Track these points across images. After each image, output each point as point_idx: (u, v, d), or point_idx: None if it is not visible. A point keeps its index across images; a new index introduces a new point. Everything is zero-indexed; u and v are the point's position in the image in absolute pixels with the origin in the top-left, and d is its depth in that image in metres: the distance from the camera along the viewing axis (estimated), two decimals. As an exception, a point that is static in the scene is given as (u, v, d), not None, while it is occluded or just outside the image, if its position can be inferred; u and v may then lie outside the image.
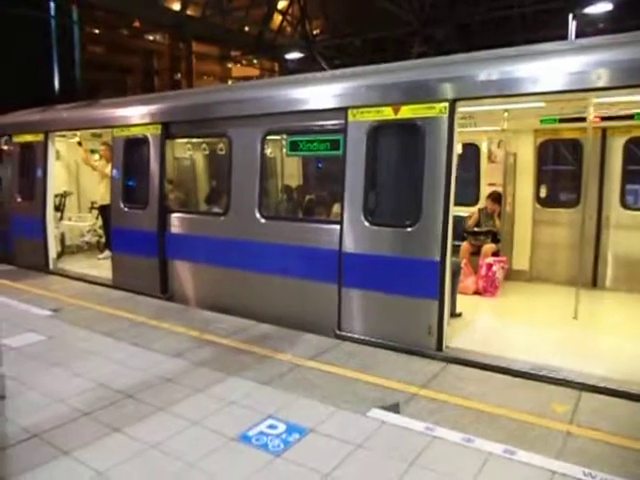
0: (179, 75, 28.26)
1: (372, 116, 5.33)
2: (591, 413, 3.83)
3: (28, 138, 9.20)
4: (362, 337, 5.45)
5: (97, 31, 28.82)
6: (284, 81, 7.23)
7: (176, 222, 7.25)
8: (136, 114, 7.62)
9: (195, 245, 7.01)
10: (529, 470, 3.15)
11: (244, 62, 26.06)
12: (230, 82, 31.83)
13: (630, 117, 6.50)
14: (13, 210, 9.58)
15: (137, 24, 28.93)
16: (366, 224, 5.41)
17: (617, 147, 7.26)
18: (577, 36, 13.06)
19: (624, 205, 7.35)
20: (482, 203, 8.25)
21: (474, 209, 8.24)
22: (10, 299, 7.03)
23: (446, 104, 4.87)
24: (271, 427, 3.64)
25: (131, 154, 7.77)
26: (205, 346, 5.26)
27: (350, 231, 5.52)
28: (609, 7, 12.96)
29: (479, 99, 4.93)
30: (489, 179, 8.21)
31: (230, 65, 33.20)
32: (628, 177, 7.44)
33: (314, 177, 10.31)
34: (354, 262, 5.51)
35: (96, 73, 28.08)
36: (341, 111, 5.55)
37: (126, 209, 7.77)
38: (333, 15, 19.96)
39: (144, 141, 7.46)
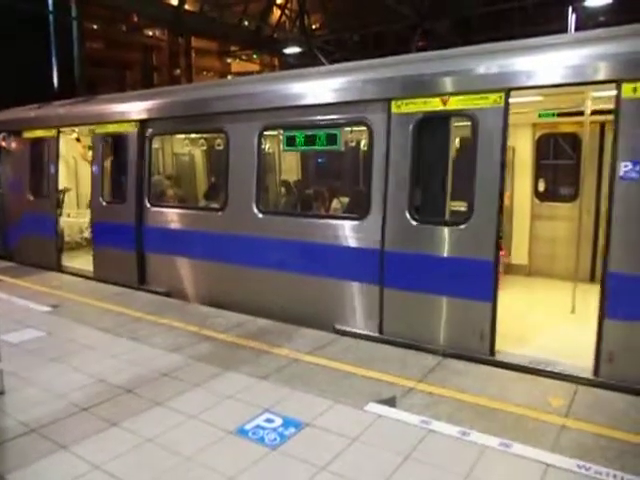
0: (178, 71, 28.21)
1: (419, 107, 5.04)
2: (587, 407, 3.84)
3: (40, 134, 9.08)
4: (405, 340, 5.15)
5: (96, 27, 28.77)
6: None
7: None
8: (125, 111, 7.65)
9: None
10: (524, 463, 3.17)
11: (244, 57, 26.00)
12: (230, 77, 31.79)
13: None
14: (17, 207, 9.55)
15: (136, 19, 28.87)
16: (412, 222, 5.12)
17: None
18: (577, 29, 13.03)
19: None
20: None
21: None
22: (9, 295, 7.05)
23: (502, 94, 4.62)
24: (268, 421, 3.66)
25: (110, 151, 7.96)
26: (203, 341, 5.28)
27: (393, 229, 5.24)
28: (609, 0, 12.89)
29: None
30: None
31: (230, 60, 33.14)
32: None
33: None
34: (398, 261, 5.24)
35: (95, 69, 28.03)
36: (383, 102, 5.26)
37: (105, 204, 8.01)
38: (332, 10, 19.90)
39: (129, 138, 7.55)
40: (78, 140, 9.71)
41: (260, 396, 4.05)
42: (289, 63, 23.08)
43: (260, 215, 6.25)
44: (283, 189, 8.92)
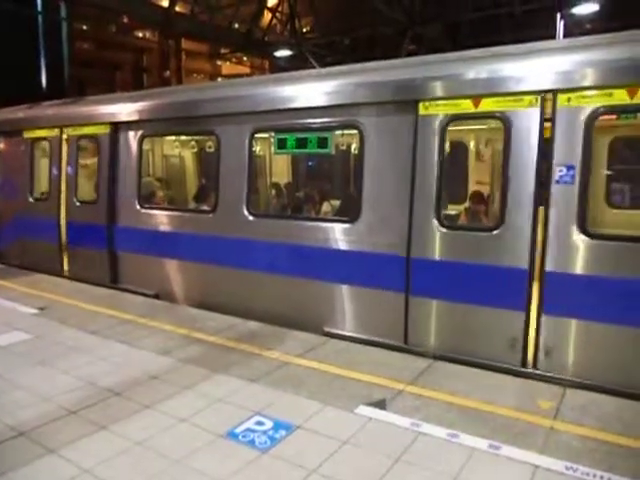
0: (168, 73, 28.08)
1: (448, 109, 4.90)
2: (575, 409, 3.88)
3: (42, 134, 8.93)
4: (432, 351, 5.03)
5: (85, 27, 28.57)
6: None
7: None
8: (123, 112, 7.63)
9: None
10: (513, 465, 3.19)
11: (234, 60, 25.98)
12: (220, 79, 31.73)
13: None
14: (13, 209, 9.42)
15: (126, 20, 28.72)
16: (441, 228, 4.99)
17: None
18: (565, 36, 13.19)
19: (610, 204, 7.40)
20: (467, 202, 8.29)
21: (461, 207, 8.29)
22: (-4, 297, 6.98)
23: (537, 96, 4.52)
24: (258, 424, 3.66)
25: (83, 152, 8.07)
26: (193, 344, 5.25)
27: (420, 235, 5.09)
28: (595, 8, 13.07)
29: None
30: (477, 178, 8.26)
31: (220, 63, 33.07)
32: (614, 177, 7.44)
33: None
34: (426, 269, 5.10)
35: (84, 69, 27.81)
36: (408, 104, 5.12)
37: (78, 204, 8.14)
38: (322, 13, 19.96)
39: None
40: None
41: (250, 399, 4.04)
42: (279, 66, 23.11)
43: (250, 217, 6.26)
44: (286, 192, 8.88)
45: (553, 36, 13.79)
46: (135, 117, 7.38)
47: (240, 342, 5.29)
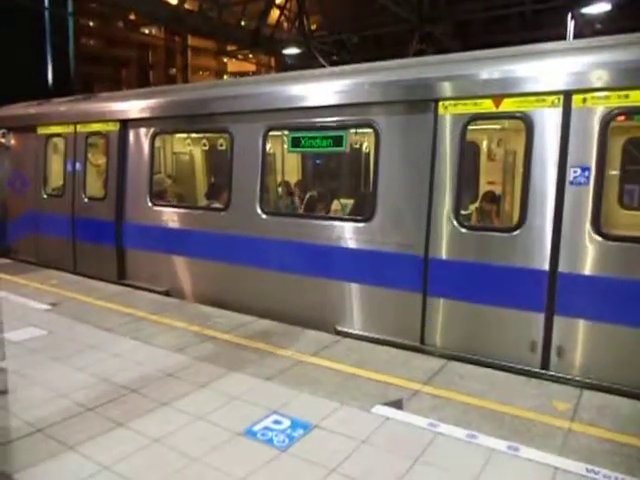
0: (174, 70, 28.10)
1: (468, 109, 4.87)
2: (592, 411, 3.87)
3: (57, 130, 8.92)
4: (449, 352, 5.03)
5: (92, 23, 28.61)
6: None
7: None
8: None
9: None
10: (532, 466, 3.18)
11: (240, 57, 25.95)
12: (226, 77, 31.71)
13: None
14: (24, 205, 9.46)
15: (133, 17, 28.72)
16: (461, 229, 4.98)
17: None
18: (575, 36, 13.13)
19: (622, 205, 7.37)
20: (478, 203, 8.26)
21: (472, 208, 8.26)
22: (8, 292, 6.99)
23: (560, 96, 4.49)
24: (276, 422, 3.66)
25: (100, 148, 8.12)
26: (206, 341, 5.26)
27: (439, 235, 5.07)
28: (607, 7, 13.00)
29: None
30: (488, 178, 8.23)
31: (226, 60, 33.03)
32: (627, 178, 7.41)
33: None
34: (445, 269, 5.08)
35: (91, 66, 27.88)
36: (427, 103, 5.08)
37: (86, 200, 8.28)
38: (331, 11, 19.92)
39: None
40: None
41: (267, 397, 4.04)
42: (286, 63, 23.07)
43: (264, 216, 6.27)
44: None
45: (563, 36, 13.73)
46: (149, 114, 7.39)
47: (253, 340, 5.29)
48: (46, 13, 21.72)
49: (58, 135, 8.88)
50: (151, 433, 3.54)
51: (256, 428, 3.58)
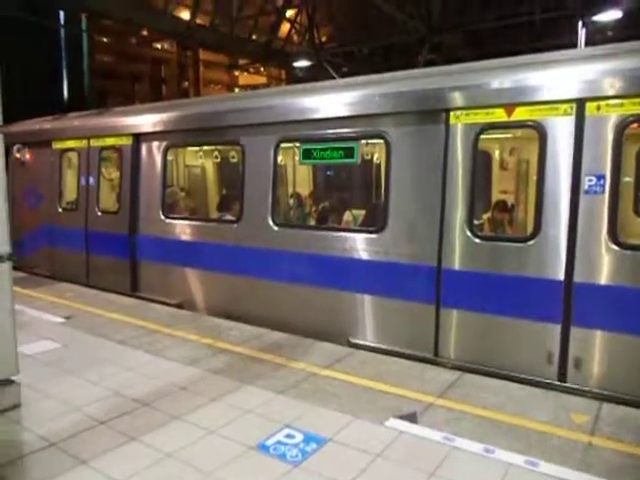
0: (186, 83, 28.37)
1: (480, 119, 4.86)
2: (613, 424, 3.78)
3: (71, 144, 9.05)
4: (464, 364, 4.97)
5: (105, 40, 29.06)
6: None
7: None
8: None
9: None
10: (552, 482, 3.11)
11: (251, 70, 26.18)
12: (237, 90, 31.98)
13: None
14: (39, 219, 9.57)
15: (145, 32, 29.14)
16: (474, 239, 4.94)
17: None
18: (586, 44, 13.06)
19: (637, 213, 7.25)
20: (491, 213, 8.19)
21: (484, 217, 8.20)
22: (22, 306, 7.04)
23: (573, 104, 4.46)
24: (288, 436, 3.62)
25: (114, 162, 8.17)
26: (219, 354, 5.24)
27: (452, 246, 5.03)
28: (619, 15, 12.93)
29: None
30: (501, 187, 8.17)
31: (237, 73, 33.37)
32: None
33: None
34: (458, 280, 5.05)
35: (105, 81, 28.27)
36: (438, 114, 5.07)
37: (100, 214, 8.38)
38: (341, 23, 20.06)
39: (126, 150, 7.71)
40: None
41: (279, 411, 4.00)
42: (297, 76, 23.23)
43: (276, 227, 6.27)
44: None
45: (574, 44, 13.67)
46: (162, 128, 7.46)
47: (266, 353, 5.27)
48: (61, 31, 22.14)
49: (72, 149, 8.99)
50: (164, 447, 3.51)
51: (269, 442, 3.54)
